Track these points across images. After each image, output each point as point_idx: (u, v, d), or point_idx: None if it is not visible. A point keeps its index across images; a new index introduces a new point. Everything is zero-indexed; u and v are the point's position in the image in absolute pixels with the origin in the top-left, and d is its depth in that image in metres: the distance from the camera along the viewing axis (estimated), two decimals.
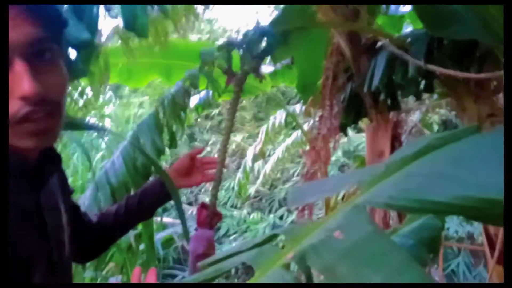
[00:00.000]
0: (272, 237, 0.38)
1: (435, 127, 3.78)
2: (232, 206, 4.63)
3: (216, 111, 5.46)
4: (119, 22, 1.49)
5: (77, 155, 3.61)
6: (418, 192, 0.35)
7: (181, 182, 0.91)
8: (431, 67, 0.88)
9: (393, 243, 0.38)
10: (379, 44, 1.22)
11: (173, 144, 1.17)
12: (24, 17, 0.46)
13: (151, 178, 1.17)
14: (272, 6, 5.90)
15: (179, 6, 1.20)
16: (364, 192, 0.41)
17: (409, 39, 1.07)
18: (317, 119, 1.39)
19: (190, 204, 4.75)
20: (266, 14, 6.23)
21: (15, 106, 0.46)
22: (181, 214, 0.92)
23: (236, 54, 1.08)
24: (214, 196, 0.97)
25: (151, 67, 1.99)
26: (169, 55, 1.88)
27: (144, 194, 0.88)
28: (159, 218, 2.18)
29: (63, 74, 0.52)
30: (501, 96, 1.14)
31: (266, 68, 1.87)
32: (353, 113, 1.31)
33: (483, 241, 1.15)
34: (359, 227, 0.35)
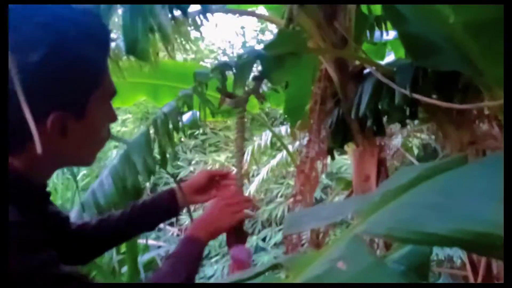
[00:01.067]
0: (274, 267, 0.39)
1: (415, 151, 3.87)
2: None
3: (200, 130, 5.45)
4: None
5: (57, 173, 3.51)
6: (416, 223, 0.36)
7: (193, 198, 0.91)
8: (417, 96, 0.92)
9: (391, 273, 0.39)
10: (366, 71, 1.26)
11: (164, 164, 1.17)
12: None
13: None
14: (258, 26, 6.02)
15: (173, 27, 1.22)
16: (362, 222, 0.42)
17: (394, 68, 1.11)
18: (304, 142, 1.42)
19: (171, 225, 4.65)
20: (252, 34, 6.34)
21: (107, 129, 0.65)
22: None
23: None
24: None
25: (138, 87, 1.99)
26: (157, 75, 1.88)
27: (151, 205, 0.88)
28: (143, 240, 2.14)
29: None
30: (481, 124, 1.19)
31: None
32: (340, 137, 1.34)
33: (463, 265, 1.18)
34: (360, 258, 0.35)
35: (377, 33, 1.68)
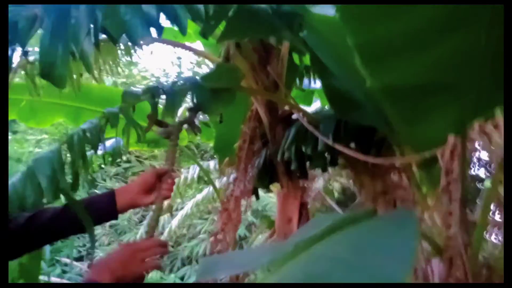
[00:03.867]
0: None
1: (336, 194, 4.08)
2: None
3: (123, 157, 5.19)
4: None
5: None
6: (322, 279, 0.36)
7: (142, 200, 0.86)
8: (338, 146, 0.97)
9: None
10: (294, 116, 1.31)
11: (75, 186, 1.05)
12: None
13: None
14: (195, 58, 6.06)
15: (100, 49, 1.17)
16: (275, 272, 0.42)
17: (320, 116, 1.17)
18: (231, 179, 1.41)
19: (80, 259, 4.26)
20: (188, 66, 6.35)
21: None
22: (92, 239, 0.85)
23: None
24: None
25: (57, 108, 1.85)
26: (79, 97, 1.77)
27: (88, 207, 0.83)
28: (45, 277, 1.92)
29: None
30: (392, 174, 1.30)
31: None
32: (266, 178, 1.36)
33: None
34: None
35: (306, 81, 1.79)
